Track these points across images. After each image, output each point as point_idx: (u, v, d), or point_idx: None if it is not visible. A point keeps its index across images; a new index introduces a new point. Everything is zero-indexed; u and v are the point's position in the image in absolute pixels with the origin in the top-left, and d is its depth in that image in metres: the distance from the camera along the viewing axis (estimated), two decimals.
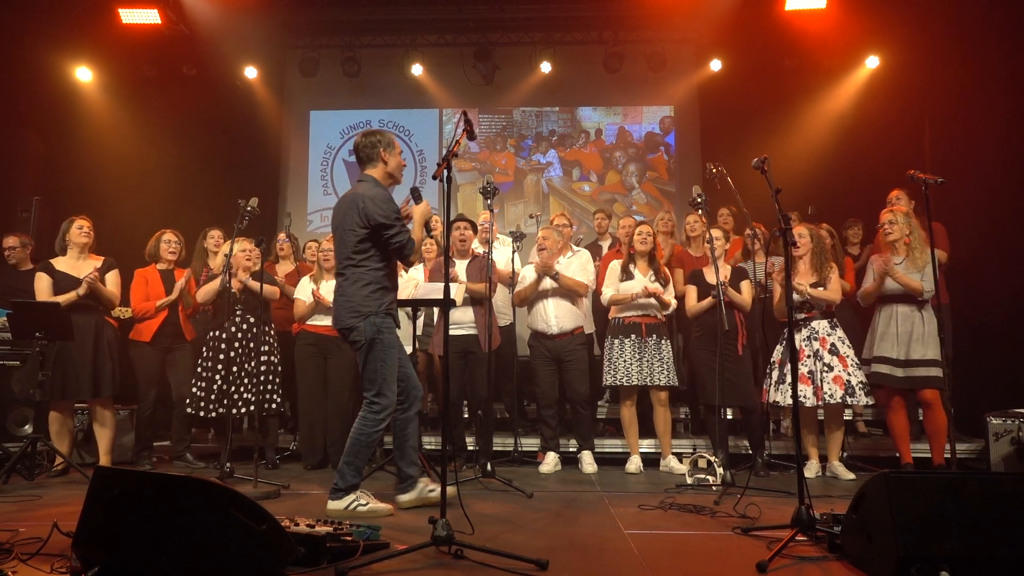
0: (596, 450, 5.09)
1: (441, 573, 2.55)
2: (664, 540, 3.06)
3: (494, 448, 4.89)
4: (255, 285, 4.82)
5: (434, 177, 3.00)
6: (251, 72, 8.13)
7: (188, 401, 4.90)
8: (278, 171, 8.74)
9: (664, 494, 4.00)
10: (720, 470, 4.24)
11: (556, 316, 4.97)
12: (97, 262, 4.86)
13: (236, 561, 2.23)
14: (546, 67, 8.24)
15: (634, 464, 4.87)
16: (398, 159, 3.70)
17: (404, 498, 3.64)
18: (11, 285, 5.11)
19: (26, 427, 5.06)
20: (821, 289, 4.58)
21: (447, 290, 3.08)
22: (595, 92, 8.69)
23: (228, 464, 4.36)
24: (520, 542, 2.95)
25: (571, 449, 5.13)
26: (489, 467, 4.34)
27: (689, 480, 4.33)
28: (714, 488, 4.15)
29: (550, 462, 4.91)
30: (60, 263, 4.79)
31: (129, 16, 7.30)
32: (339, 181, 8.77)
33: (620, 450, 5.28)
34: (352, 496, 3.48)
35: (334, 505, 3.48)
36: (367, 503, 3.49)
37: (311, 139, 8.85)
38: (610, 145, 8.74)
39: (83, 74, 7.63)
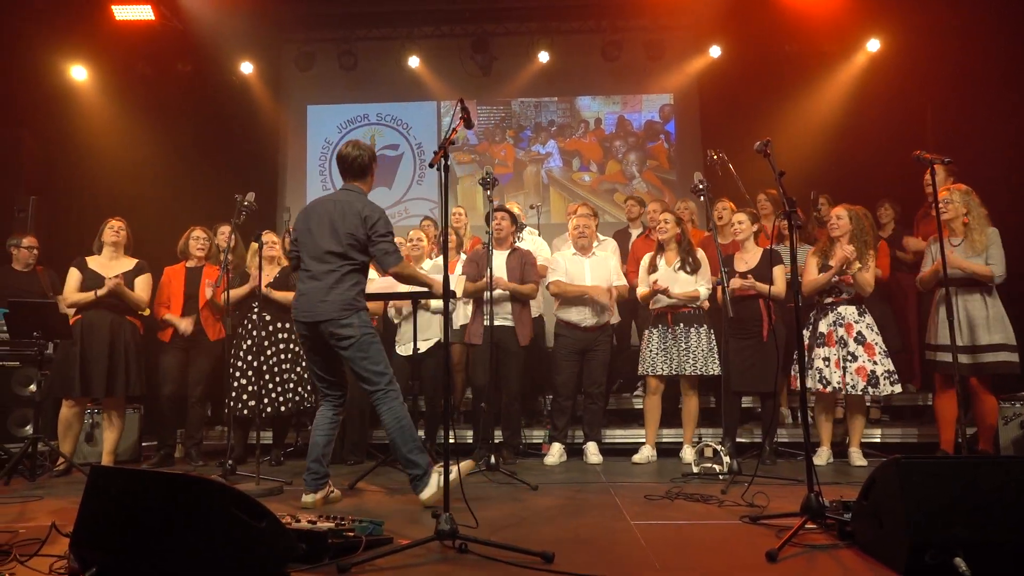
0: (602, 441, 5.05)
1: (445, 568, 2.51)
2: (671, 530, 3.03)
3: (496, 440, 4.83)
4: (278, 295, 4.87)
5: (430, 165, 2.96)
6: (247, 67, 8.07)
7: (227, 401, 4.88)
8: (276, 166, 8.69)
9: (671, 484, 3.96)
10: (727, 459, 4.20)
11: (593, 309, 4.90)
12: (130, 264, 4.92)
13: (236, 559, 2.19)
14: (544, 57, 8.17)
15: (643, 454, 4.82)
16: (374, 176, 3.89)
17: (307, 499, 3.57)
18: (13, 286, 5.09)
19: (27, 428, 5.03)
20: (860, 271, 4.38)
21: (446, 281, 3.04)
22: (594, 81, 8.62)
23: (230, 461, 4.32)
24: (525, 535, 2.91)
25: (576, 440, 5.09)
26: (493, 459, 4.30)
27: (695, 469, 4.28)
28: (721, 477, 4.11)
29: (555, 453, 4.87)
30: (93, 261, 4.86)
31: (123, 13, 7.23)
32: (337, 176, 8.59)
33: (625, 440, 5.24)
34: (436, 476, 3.44)
35: (429, 493, 3.41)
36: (450, 472, 3.38)
37: (308, 134, 8.81)
38: (610, 134, 8.68)
39: (78, 73, 7.57)
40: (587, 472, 4.54)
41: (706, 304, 4.87)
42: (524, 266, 4.93)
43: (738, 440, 4.79)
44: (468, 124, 3.19)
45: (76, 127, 7.54)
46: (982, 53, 6.41)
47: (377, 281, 4.95)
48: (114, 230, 4.93)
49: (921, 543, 2.26)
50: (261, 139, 8.48)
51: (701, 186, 4.48)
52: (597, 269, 4.98)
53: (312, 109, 8.85)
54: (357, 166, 3.71)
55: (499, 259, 4.90)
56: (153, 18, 7.25)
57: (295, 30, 8.43)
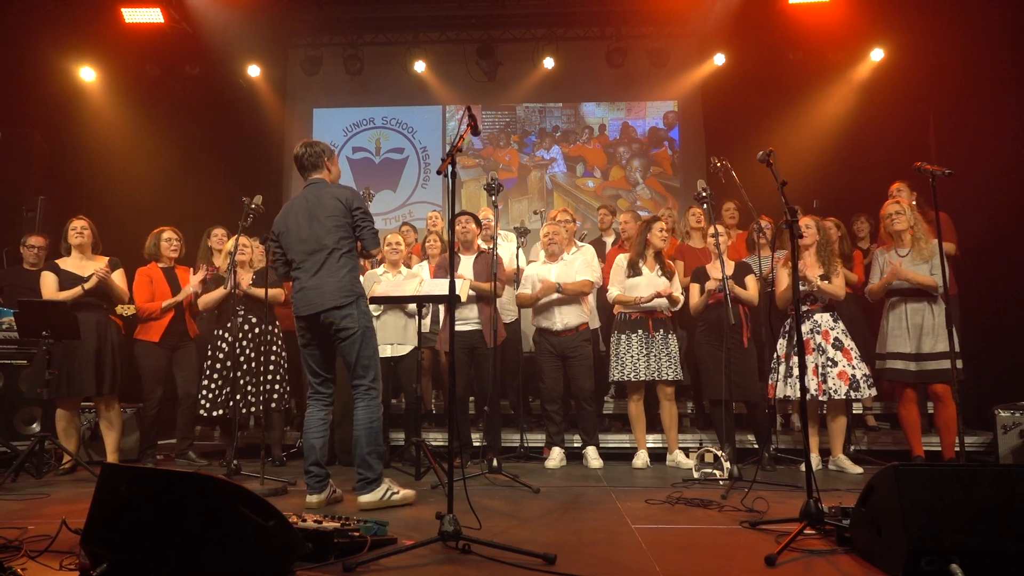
0: (601, 445, 5.09)
1: (449, 568, 2.55)
2: (672, 534, 3.06)
3: (500, 444, 4.90)
4: (258, 292, 4.83)
5: (438, 172, 2.99)
6: (254, 70, 8.15)
7: (199, 401, 4.89)
8: (281, 169, 8.76)
9: (671, 488, 3.99)
10: (727, 464, 4.24)
11: (561, 313, 4.96)
12: (101, 262, 4.89)
13: (244, 557, 2.22)
14: (549, 63, 8.24)
15: (641, 459, 4.87)
16: (338, 169, 3.88)
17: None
18: (23, 285, 5.14)
19: (34, 426, 5.08)
20: (826, 283, 4.55)
21: (452, 286, 3.07)
22: (598, 88, 8.68)
23: (235, 461, 4.36)
24: (527, 537, 2.94)
25: (576, 444, 5.13)
26: (495, 463, 4.34)
27: (696, 474, 4.32)
28: (721, 482, 4.14)
29: (555, 457, 4.91)
30: (66, 263, 4.85)
31: (132, 15, 7.33)
32: (343, 179, 8.74)
33: (625, 445, 5.27)
34: (384, 486, 3.51)
35: (368, 498, 3.47)
36: (397, 490, 3.53)
37: (314, 137, 8.82)
38: (614, 141, 8.73)
39: (87, 74, 7.65)
40: (588, 476, 4.57)
41: (670, 312, 4.96)
42: (488, 267, 4.95)
43: (738, 446, 4.83)
44: (475, 131, 3.22)
45: (84, 128, 7.62)
46: (985, 61, 6.44)
47: (383, 284, 5.01)
48: (76, 231, 4.84)
49: (918, 549, 2.29)
50: (267, 142, 8.55)
51: (705, 194, 4.53)
52: (563, 274, 5.02)
53: (318, 112, 8.91)
54: (308, 161, 3.73)
55: (466, 263, 4.99)
56: (162, 21, 7.34)
57: (302, 34, 8.50)
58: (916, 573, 2.29)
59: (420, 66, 8.33)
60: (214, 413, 4.85)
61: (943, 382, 4.37)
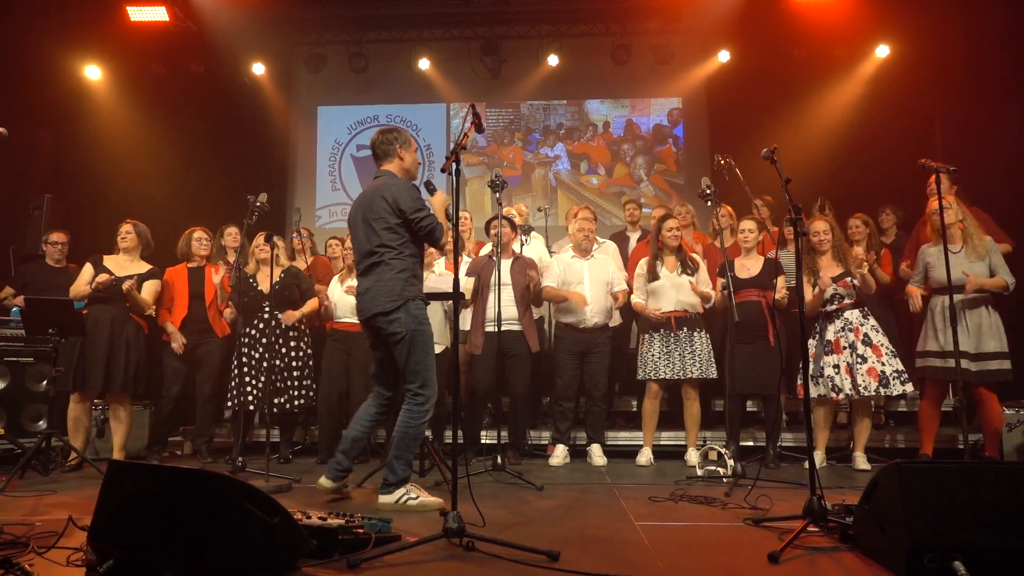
0: (606, 443, 5.09)
1: (453, 565, 2.56)
2: (675, 531, 3.06)
3: (503, 441, 4.90)
4: (296, 316, 4.92)
5: (442, 170, 3.01)
6: (259, 68, 8.16)
7: (231, 400, 4.92)
8: (286, 167, 8.78)
9: (675, 486, 4.00)
10: (731, 462, 4.23)
11: (592, 311, 4.94)
12: (143, 268, 5.01)
13: (249, 553, 2.24)
14: (553, 60, 8.23)
15: (645, 456, 4.87)
16: (414, 156, 3.73)
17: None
18: (48, 282, 5.18)
19: (40, 423, 5.11)
20: (867, 270, 4.49)
21: (456, 284, 3.08)
22: (602, 85, 8.67)
23: (240, 459, 4.38)
24: (531, 534, 2.95)
25: (580, 442, 5.13)
26: (499, 460, 4.35)
27: (700, 472, 4.32)
28: (725, 480, 4.15)
29: (559, 454, 4.91)
30: (109, 260, 4.95)
31: (137, 14, 7.35)
32: (347, 176, 8.80)
33: (629, 443, 5.28)
34: (403, 490, 3.48)
35: (385, 499, 3.47)
36: (417, 496, 3.48)
37: (319, 135, 8.88)
38: (618, 138, 8.72)
39: (92, 72, 7.68)
40: (591, 473, 4.58)
41: (703, 308, 4.91)
42: (523, 272, 4.95)
43: (742, 444, 4.82)
44: (479, 129, 3.23)
45: (90, 126, 7.64)
46: (991, 57, 6.42)
47: None
48: (121, 235, 5.02)
49: (920, 547, 2.29)
50: (272, 139, 8.57)
51: (708, 191, 4.52)
52: (596, 271, 5.02)
53: (322, 110, 8.93)
54: (380, 149, 3.67)
55: (503, 267, 4.93)
56: (167, 19, 7.36)
57: (307, 32, 8.50)
58: (918, 570, 2.30)
59: (424, 63, 8.33)
60: (251, 408, 4.87)
61: (1003, 381, 4.35)
